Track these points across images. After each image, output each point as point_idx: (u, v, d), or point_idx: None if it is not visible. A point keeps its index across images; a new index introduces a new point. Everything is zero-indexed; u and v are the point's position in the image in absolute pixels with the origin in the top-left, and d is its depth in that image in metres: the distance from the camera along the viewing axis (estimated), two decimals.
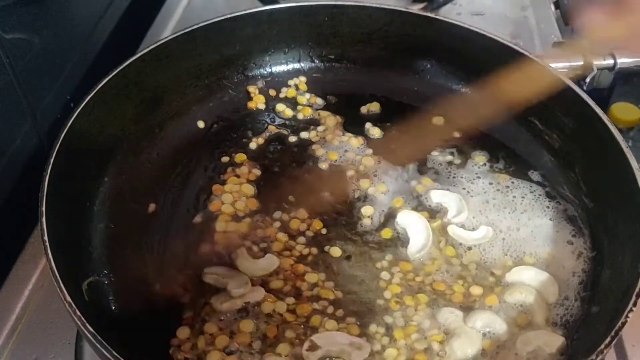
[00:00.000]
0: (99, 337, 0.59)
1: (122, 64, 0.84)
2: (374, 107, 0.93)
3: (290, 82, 0.96)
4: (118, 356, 0.58)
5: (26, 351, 0.76)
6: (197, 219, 0.79)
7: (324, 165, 0.86)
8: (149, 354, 0.67)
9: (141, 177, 0.83)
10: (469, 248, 0.76)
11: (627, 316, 0.61)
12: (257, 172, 0.84)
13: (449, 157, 0.86)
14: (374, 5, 0.94)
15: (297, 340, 0.67)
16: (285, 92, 0.95)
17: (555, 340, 0.67)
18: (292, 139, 0.89)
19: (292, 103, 0.94)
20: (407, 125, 0.89)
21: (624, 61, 1.03)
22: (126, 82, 0.84)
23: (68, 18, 0.99)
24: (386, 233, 0.78)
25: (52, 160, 0.72)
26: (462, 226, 0.78)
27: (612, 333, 0.60)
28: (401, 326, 0.69)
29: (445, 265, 0.74)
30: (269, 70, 0.97)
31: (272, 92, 0.95)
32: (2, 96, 0.84)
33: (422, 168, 0.85)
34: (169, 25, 1.23)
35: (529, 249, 0.76)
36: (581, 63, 1.02)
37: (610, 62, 1.03)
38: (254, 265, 0.73)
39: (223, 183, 0.83)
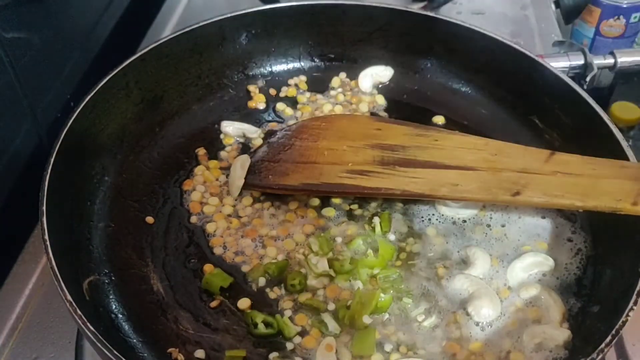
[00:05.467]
0: (100, 336, 0.59)
1: (122, 63, 0.84)
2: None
3: (291, 81, 0.96)
4: (119, 355, 0.58)
5: (27, 350, 0.76)
6: (194, 218, 0.79)
7: None
8: (148, 353, 0.68)
9: (142, 176, 0.83)
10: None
11: (627, 315, 0.61)
12: None
13: None
14: (374, 4, 0.94)
15: None
16: (285, 91, 0.95)
17: (561, 334, 0.67)
18: None
19: (293, 102, 0.94)
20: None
21: (624, 60, 1.03)
22: (126, 82, 0.84)
23: (68, 17, 0.99)
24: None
25: (52, 159, 0.72)
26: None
27: (613, 332, 0.60)
28: None
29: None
30: (269, 69, 0.97)
31: (273, 91, 0.95)
32: (3, 95, 0.84)
33: None
34: (169, 25, 1.23)
35: (529, 244, 0.76)
36: (582, 62, 1.03)
37: (611, 61, 1.03)
38: None
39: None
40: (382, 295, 0.70)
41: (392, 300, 0.71)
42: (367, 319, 0.69)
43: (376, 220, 0.78)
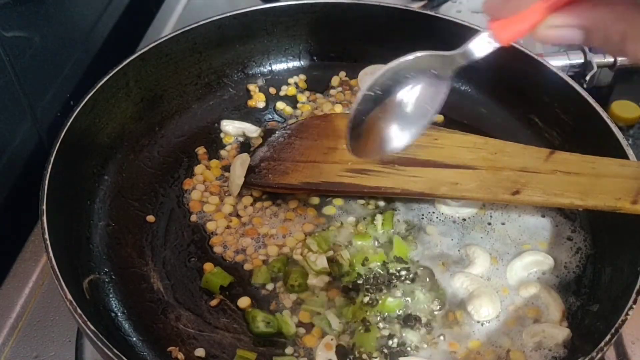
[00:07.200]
0: (100, 335, 0.59)
1: (121, 62, 0.84)
2: None
3: (291, 80, 0.96)
4: (119, 353, 0.58)
5: (27, 349, 0.77)
6: (194, 217, 0.80)
7: None
8: (148, 352, 0.68)
9: (142, 175, 0.83)
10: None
11: (627, 314, 0.61)
12: None
13: None
14: (374, 3, 0.94)
15: None
16: (285, 90, 0.95)
17: (560, 332, 0.67)
18: None
19: (292, 101, 0.94)
20: None
21: (624, 59, 1.03)
22: (126, 81, 0.84)
23: (68, 16, 0.99)
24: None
25: (52, 158, 0.72)
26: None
27: (612, 330, 0.60)
28: None
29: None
30: (269, 68, 0.97)
31: (272, 90, 0.95)
32: (2, 95, 0.84)
33: None
34: (168, 24, 1.23)
35: (529, 243, 0.77)
36: (581, 61, 1.03)
37: (611, 60, 1.03)
38: None
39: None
40: (390, 298, 0.70)
41: (402, 303, 0.71)
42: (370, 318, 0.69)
43: (379, 218, 0.78)
